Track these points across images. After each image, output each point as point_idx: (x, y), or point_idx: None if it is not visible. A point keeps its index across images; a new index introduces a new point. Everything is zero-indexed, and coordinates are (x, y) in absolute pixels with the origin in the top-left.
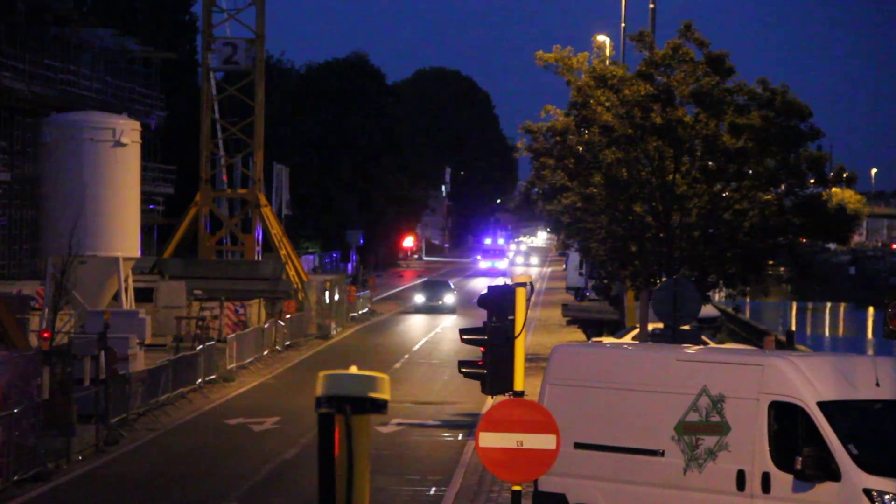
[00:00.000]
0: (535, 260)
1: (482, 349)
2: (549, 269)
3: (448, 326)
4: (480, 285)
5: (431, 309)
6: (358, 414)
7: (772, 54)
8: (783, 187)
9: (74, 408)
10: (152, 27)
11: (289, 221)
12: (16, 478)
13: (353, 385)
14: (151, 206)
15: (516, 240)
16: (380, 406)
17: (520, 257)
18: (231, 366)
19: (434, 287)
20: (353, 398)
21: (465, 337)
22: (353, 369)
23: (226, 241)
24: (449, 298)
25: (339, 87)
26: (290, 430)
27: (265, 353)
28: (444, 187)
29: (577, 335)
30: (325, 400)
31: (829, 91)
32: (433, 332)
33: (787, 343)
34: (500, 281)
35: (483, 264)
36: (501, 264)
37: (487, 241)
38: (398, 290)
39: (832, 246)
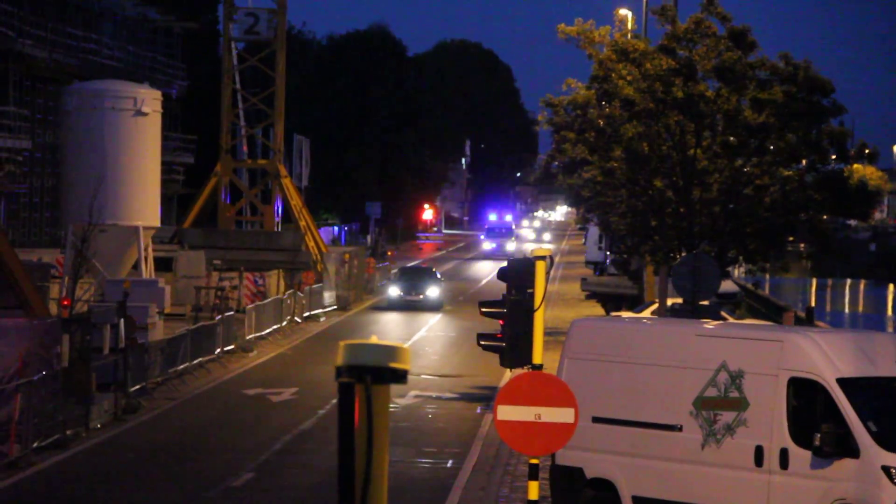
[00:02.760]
0: (548, 236)
1: (501, 322)
2: (567, 246)
3: (431, 335)
4: (481, 272)
5: (409, 305)
6: (378, 384)
7: (794, 29)
8: (804, 163)
9: (93, 376)
10: None
11: (309, 193)
12: (35, 445)
13: (373, 355)
14: (175, 177)
15: (531, 214)
16: (400, 376)
17: (530, 233)
18: (250, 336)
19: (413, 276)
20: (374, 368)
21: (484, 310)
22: (374, 339)
23: (245, 211)
24: (432, 291)
25: (360, 58)
26: (309, 401)
27: (284, 323)
28: (464, 160)
29: (596, 310)
30: (346, 369)
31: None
32: (409, 340)
33: (807, 319)
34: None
35: (487, 245)
36: (509, 245)
37: (492, 216)
38: (417, 262)
39: (853, 222)
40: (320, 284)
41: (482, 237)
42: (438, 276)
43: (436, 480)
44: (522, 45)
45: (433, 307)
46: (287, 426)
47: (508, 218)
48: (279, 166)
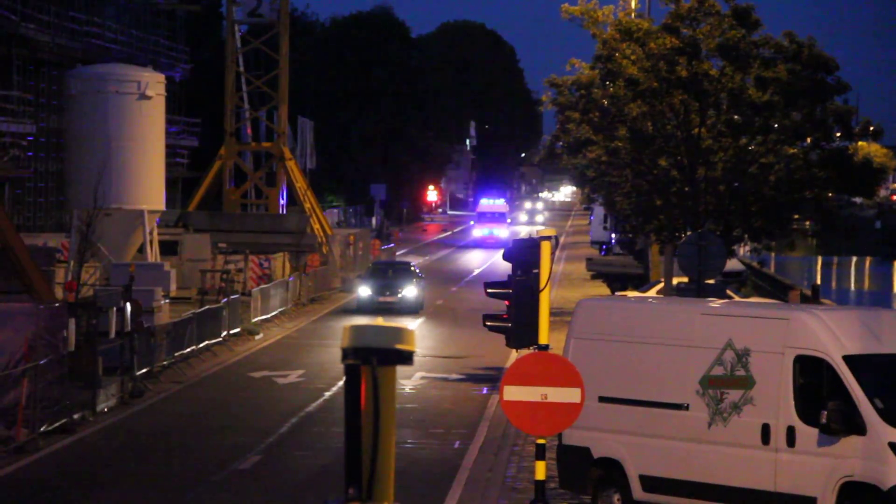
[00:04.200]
0: (540, 219)
1: (507, 303)
2: (563, 238)
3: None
4: (471, 263)
5: (381, 308)
6: (384, 365)
7: (798, 6)
8: (809, 141)
9: (100, 360)
10: None
11: (313, 175)
12: (42, 429)
13: (379, 337)
14: (179, 160)
15: (536, 195)
16: (406, 358)
17: (523, 216)
18: (255, 319)
19: (387, 273)
20: (380, 350)
21: (490, 290)
22: (380, 321)
23: (250, 194)
24: (410, 291)
25: (363, 40)
26: (315, 384)
27: (289, 306)
28: (468, 141)
29: (602, 289)
30: (352, 351)
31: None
32: (301, 412)
33: (813, 297)
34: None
35: (477, 231)
36: (501, 232)
37: (484, 200)
38: (422, 244)
39: (858, 200)
40: (325, 266)
41: (472, 223)
42: (417, 272)
43: (443, 461)
44: (526, 26)
45: (411, 310)
46: (293, 409)
47: (501, 202)
48: (283, 149)
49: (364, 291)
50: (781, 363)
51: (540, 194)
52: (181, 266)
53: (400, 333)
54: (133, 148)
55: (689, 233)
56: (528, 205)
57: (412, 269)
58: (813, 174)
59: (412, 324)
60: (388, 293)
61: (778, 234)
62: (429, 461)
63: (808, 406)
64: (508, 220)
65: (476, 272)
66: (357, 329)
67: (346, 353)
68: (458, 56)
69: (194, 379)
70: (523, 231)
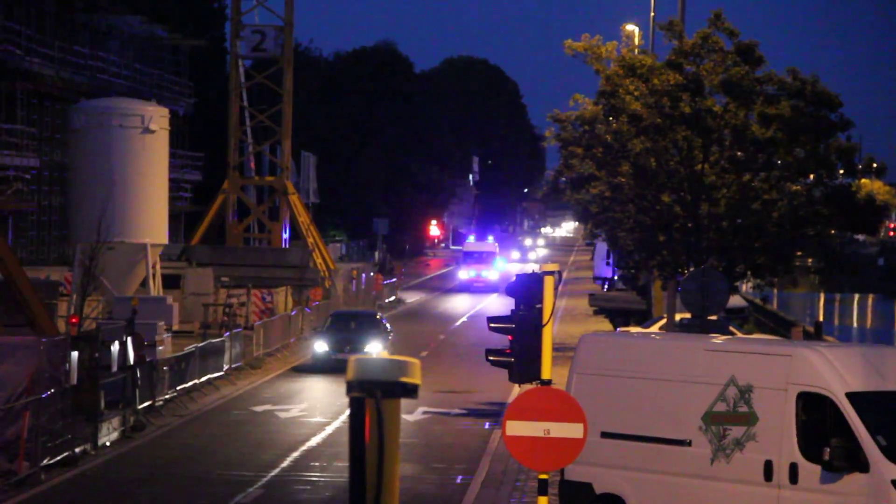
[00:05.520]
0: (533, 256)
1: (510, 337)
2: (566, 273)
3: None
4: (456, 310)
5: (341, 367)
6: (388, 398)
7: (801, 44)
8: (812, 178)
9: (102, 394)
10: (181, 14)
11: (316, 209)
12: (44, 463)
13: (383, 370)
14: (182, 194)
15: (538, 230)
16: (410, 391)
17: (514, 254)
18: (258, 353)
19: (349, 325)
20: (384, 382)
21: (492, 325)
22: (384, 354)
23: (253, 228)
24: (374, 347)
25: (367, 75)
26: (317, 418)
27: (292, 340)
28: (471, 176)
29: (604, 325)
30: (356, 384)
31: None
32: (302, 446)
33: (816, 334)
34: (491, 300)
35: (464, 274)
36: (489, 274)
37: (471, 239)
38: (425, 278)
39: (861, 237)
40: (328, 300)
41: (459, 264)
42: (385, 323)
43: (445, 496)
44: (529, 61)
45: None
46: (295, 443)
47: (490, 241)
48: (287, 183)
49: (320, 347)
50: (784, 400)
51: (541, 229)
52: (184, 300)
53: (404, 366)
54: (136, 182)
55: (691, 269)
56: (528, 241)
57: (378, 319)
58: (816, 211)
59: None
60: (347, 349)
61: (781, 270)
62: (431, 496)
63: (810, 443)
64: (497, 262)
65: (465, 318)
66: (362, 362)
67: (351, 386)
68: (461, 91)
69: (196, 412)
70: (514, 270)
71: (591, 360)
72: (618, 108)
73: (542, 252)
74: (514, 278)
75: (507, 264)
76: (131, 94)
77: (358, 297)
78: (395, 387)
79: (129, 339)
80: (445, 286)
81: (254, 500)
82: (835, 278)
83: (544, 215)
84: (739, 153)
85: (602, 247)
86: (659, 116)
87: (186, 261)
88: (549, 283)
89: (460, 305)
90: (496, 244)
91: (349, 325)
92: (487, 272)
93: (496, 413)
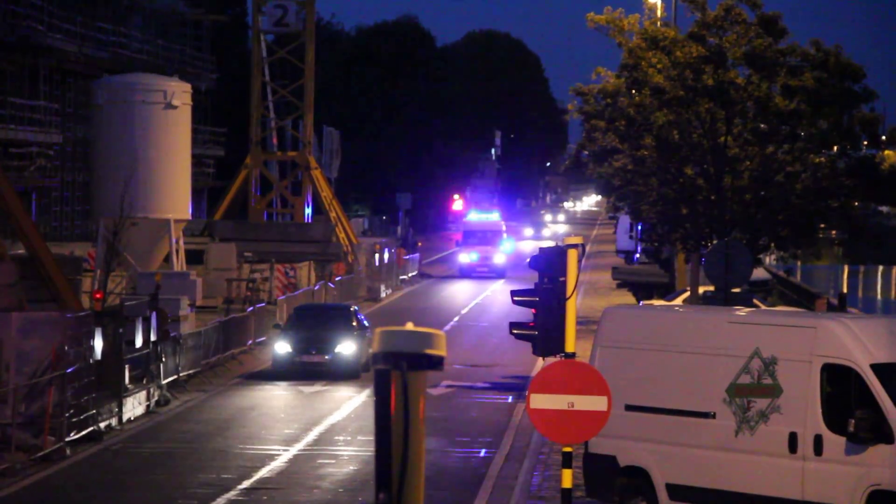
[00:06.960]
0: (548, 233)
1: (533, 311)
2: (589, 247)
3: (327, 448)
4: (453, 303)
5: (306, 372)
6: (414, 370)
7: (824, 14)
8: (836, 149)
9: (126, 369)
10: None
11: (339, 184)
12: (69, 437)
13: (409, 341)
14: (205, 170)
15: (560, 204)
16: (436, 363)
17: (529, 230)
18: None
19: (317, 322)
20: (410, 354)
21: (516, 298)
22: (410, 326)
23: (276, 203)
24: (346, 347)
25: (389, 49)
26: (340, 392)
27: None
28: (493, 150)
29: (627, 298)
30: (382, 356)
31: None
32: (326, 420)
33: (839, 306)
34: (495, 288)
35: (464, 257)
36: (496, 257)
37: (472, 215)
38: (447, 252)
39: (884, 208)
40: (351, 275)
41: (457, 245)
42: (361, 318)
43: (469, 470)
44: (551, 35)
45: (345, 373)
46: (319, 417)
47: (494, 216)
48: (309, 158)
49: (282, 348)
50: (809, 371)
51: (564, 203)
52: (207, 275)
53: (430, 338)
54: (159, 157)
55: (715, 241)
56: (547, 216)
57: (352, 312)
58: (840, 183)
59: (345, 398)
60: (313, 350)
61: (804, 242)
62: (455, 469)
63: (835, 414)
64: (503, 244)
65: (463, 312)
66: (387, 334)
67: (377, 358)
68: (483, 65)
69: (220, 387)
70: (526, 250)
71: (614, 334)
72: (640, 81)
73: (560, 229)
74: (528, 259)
75: (518, 244)
76: (154, 70)
77: (381, 270)
78: (420, 359)
79: (153, 315)
80: (443, 276)
81: (279, 473)
82: (858, 250)
83: (567, 189)
84: (763, 125)
85: (625, 220)
86: (682, 89)
87: (209, 236)
88: (572, 255)
89: (458, 297)
90: (501, 221)
91: (316, 323)
92: (492, 254)
93: (519, 387)
